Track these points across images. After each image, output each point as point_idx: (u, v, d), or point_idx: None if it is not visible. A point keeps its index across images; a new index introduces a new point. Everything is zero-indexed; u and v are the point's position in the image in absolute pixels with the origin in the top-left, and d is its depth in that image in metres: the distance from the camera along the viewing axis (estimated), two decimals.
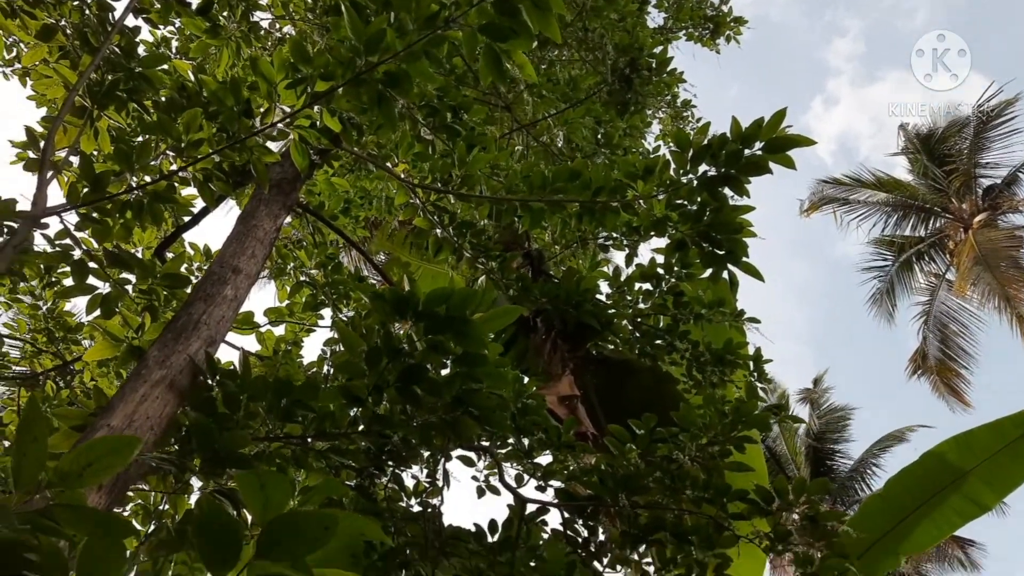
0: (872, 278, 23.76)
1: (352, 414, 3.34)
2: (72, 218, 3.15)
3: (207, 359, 2.92)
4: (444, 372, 3.22)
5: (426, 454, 3.90)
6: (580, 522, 3.72)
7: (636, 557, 3.72)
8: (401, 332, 3.26)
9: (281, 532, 1.57)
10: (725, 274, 5.64)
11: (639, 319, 6.07)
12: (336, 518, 1.51)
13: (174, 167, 3.50)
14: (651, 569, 3.72)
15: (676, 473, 3.35)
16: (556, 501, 3.64)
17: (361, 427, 3.26)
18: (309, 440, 3.37)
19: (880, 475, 24.22)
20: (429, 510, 3.94)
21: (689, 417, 3.62)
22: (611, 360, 5.79)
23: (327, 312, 5.13)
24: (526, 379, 5.26)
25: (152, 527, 4.23)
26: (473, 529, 3.86)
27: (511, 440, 3.82)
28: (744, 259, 5.22)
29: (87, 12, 3.75)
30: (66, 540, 1.54)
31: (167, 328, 3.03)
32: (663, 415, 5.49)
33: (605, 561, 3.76)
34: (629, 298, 5.99)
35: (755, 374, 5.92)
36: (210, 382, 2.89)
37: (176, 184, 3.37)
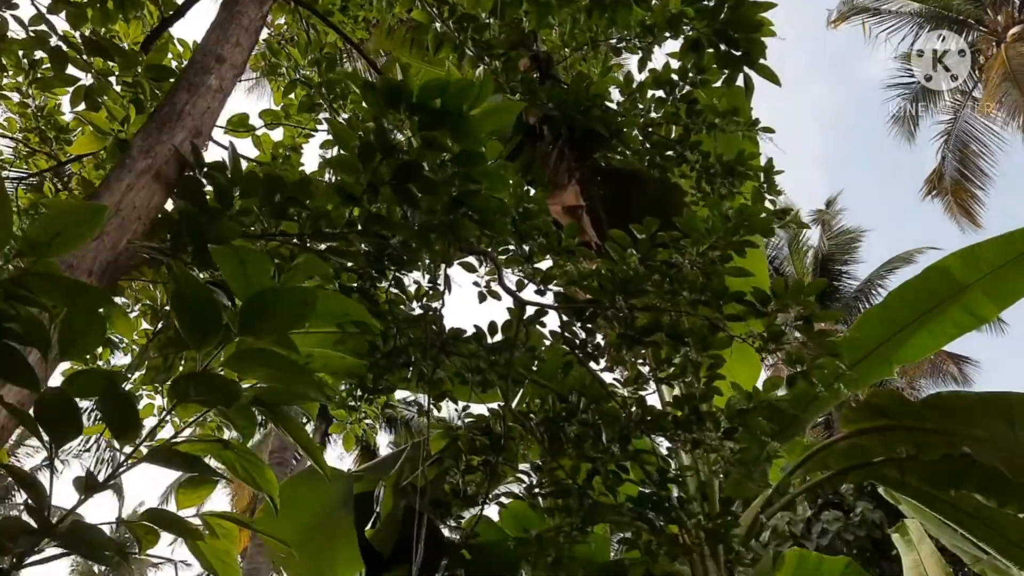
0: (896, 96, 22.94)
1: (348, 215, 3.28)
2: (44, 1, 2.96)
3: (193, 150, 2.82)
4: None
5: (427, 260, 3.88)
6: (578, 325, 3.75)
7: (632, 358, 3.78)
8: (399, 136, 3.14)
9: (262, 307, 1.54)
10: (741, 80, 5.38)
11: (650, 128, 5.88)
12: (315, 292, 1.47)
13: None
14: (646, 370, 3.80)
15: (675, 277, 3.33)
16: (555, 304, 3.66)
17: (359, 227, 3.21)
18: (307, 241, 3.33)
19: (884, 295, 24.56)
20: (430, 312, 3.98)
21: (692, 223, 3.55)
22: (619, 171, 5.65)
23: (327, 117, 4.96)
24: (531, 190, 5.18)
25: (160, 325, 4.31)
26: (473, 331, 3.92)
27: (512, 245, 3.78)
28: (761, 61, 4.96)
29: None
30: (44, 311, 1.51)
31: (151, 118, 2.92)
32: (670, 225, 5.45)
33: (602, 362, 3.84)
34: (641, 106, 5.77)
35: (764, 185, 5.80)
36: (198, 175, 2.82)
37: None
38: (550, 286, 3.72)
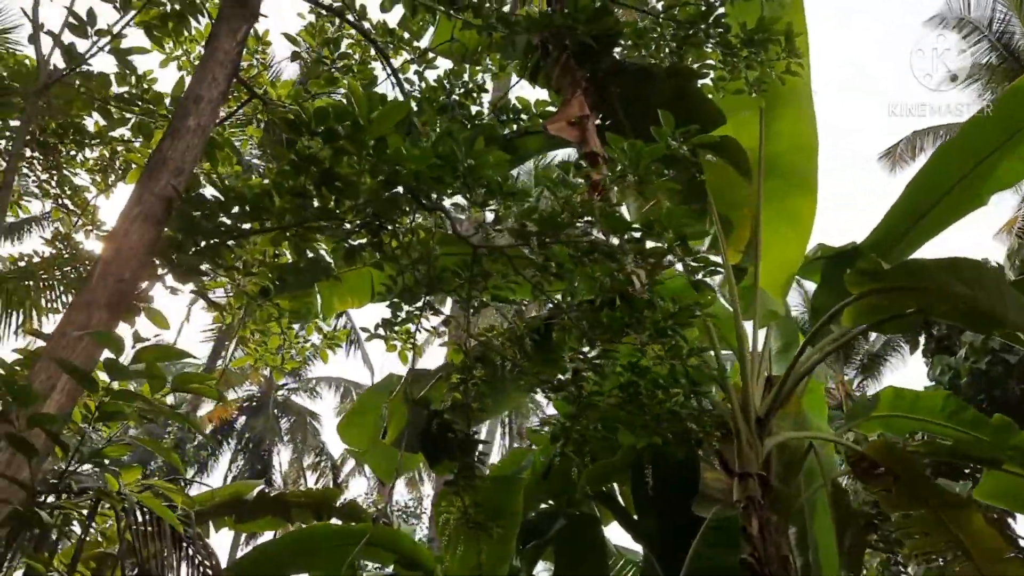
0: None
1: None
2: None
3: (174, 190, 3.77)
4: None
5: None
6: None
7: None
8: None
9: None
10: None
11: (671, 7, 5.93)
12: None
13: None
14: None
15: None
16: (506, 244, 4.28)
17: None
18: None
19: None
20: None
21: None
22: (631, 70, 5.88)
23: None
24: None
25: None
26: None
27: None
28: None
29: None
30: None
31: (145, 166, 3.90)
32: (684, 114, 5.73)
33: None
34: None
35: (787, 52, 5.78)
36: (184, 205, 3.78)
37: None
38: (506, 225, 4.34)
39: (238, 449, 30.23)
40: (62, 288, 7.52)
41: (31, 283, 7.29)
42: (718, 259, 3.71)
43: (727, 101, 6.13)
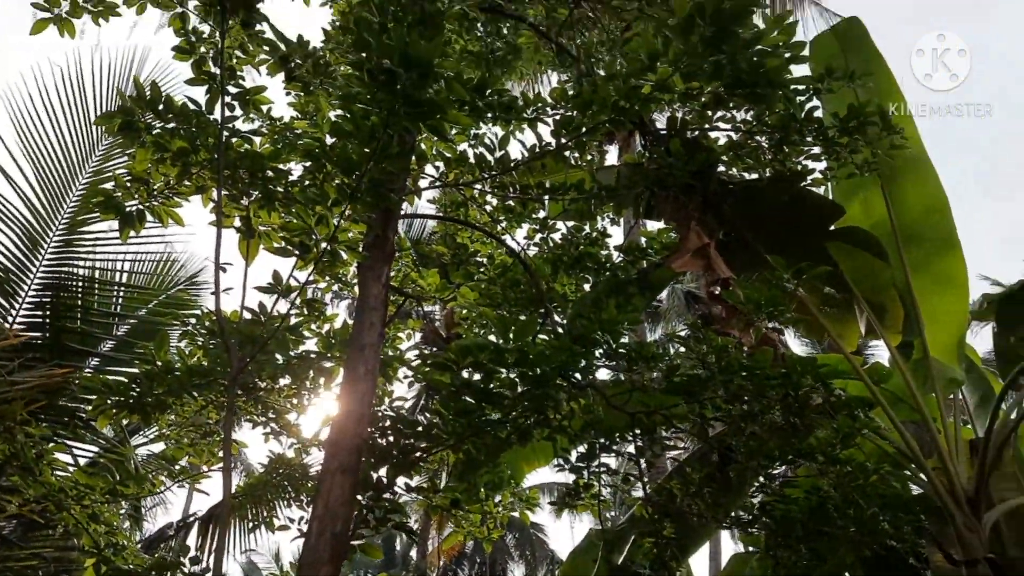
0: None
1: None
2: None
3: (361, 438, 4.31)
4: None
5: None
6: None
7: None
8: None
9: None
10: None
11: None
12: None
13: None
14: None
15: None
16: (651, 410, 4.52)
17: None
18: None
19: None
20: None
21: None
22: (737, 185, 6.05)
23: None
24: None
25: None
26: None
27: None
28: None
29: None
30: None
31: (334, 419, 4.49)
32: (801, 216, 5.82)
33: None
34: None
35: (885, 130, 5.76)
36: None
37: None
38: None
39: (474, 574, 31.05)
40: (285, 500, 8.40)
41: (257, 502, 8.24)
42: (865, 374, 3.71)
43: (845, 185, 6.12)
